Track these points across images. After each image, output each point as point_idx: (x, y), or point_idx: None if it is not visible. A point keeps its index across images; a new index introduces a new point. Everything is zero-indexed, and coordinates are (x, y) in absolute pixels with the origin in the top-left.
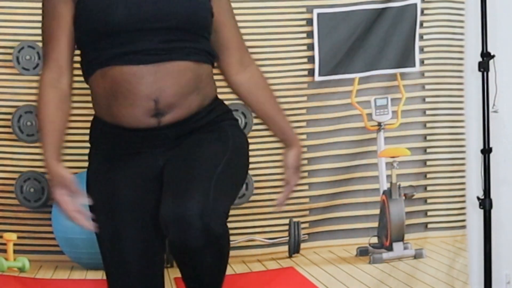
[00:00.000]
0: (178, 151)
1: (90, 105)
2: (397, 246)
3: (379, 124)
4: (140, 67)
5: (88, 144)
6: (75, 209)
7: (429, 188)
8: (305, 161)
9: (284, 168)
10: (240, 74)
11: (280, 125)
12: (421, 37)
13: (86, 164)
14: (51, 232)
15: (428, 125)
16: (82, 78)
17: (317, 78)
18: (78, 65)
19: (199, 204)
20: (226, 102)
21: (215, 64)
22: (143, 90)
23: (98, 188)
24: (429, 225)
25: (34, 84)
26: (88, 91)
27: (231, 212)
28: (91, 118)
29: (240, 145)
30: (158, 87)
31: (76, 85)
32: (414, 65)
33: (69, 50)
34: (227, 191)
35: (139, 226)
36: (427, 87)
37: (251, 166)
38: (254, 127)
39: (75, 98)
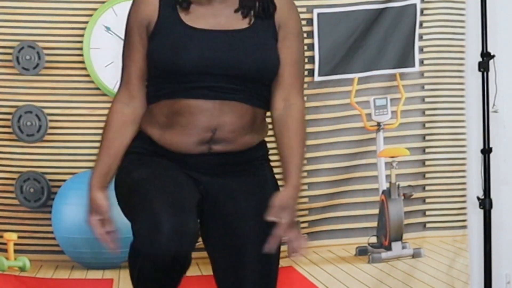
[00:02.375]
0: (220, 206)
1: (92, 105)
2: (396, 246)
3: (379, 124)
4: (205, 102)
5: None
6: (104, 233)
7: (427, 188)
8: (305, 161)
9: (271, 209)
10: (279, 110)
11: (289, 168)
12: (420, 37)
13: (85, 164)
14: (51, 232)
15: (428, 125)
16: (83, 78)
17: (316, 78)
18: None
19: None
20: None
21: None
22: (204, 121)
23: (134, 160)
24: (428, 225)
25: (34, 84)
26: (92, 92)
27: None
28: (92, 118)
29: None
30: (218, 121)
31: (78, 85)
32: (413, 65)
33: (141, 77)
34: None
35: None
36: (426, 87)
37: None
38: None
39: (79, 99)
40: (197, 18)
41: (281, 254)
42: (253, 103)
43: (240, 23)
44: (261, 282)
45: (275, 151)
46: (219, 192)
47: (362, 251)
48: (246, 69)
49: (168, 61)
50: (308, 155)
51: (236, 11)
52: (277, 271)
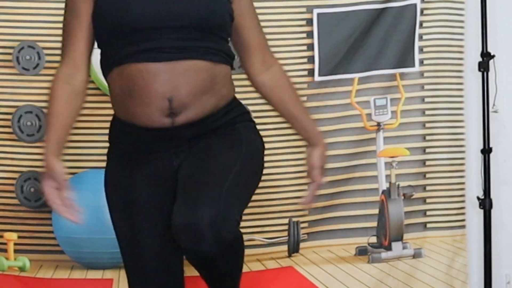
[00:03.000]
0: (192, 156)
1: (92, 105)
2: (396, 246)
3: (379, 124)
4: (155, 65)
5: (89, 144)
6: (60, 202)
7: (428, 188)
8: (305, 161)
9: (308, 167)
10: (262, 74)
11: (303, 124)
12: (420, 37)
13: (85, 164)
14: (51, 232)
15: (428, 125)
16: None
17: (317, 78)
18: None
19: (210, 213)
20: None
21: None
22: (158, 88)
23: (115, 189)
24: (428, 225)
25: (34, 84)
26: (92, 92)
27: None
28: (92, 118)
29: (254, 149)
30: (172, 85)
31: None
32: (413, 65)
33: (86, 48)
34: (239, 198)
35: (156, 226)
36: (426, 87)
37: None
38: None
39: None
40: None
41: (281, 254)
42: (209, 58)
43: None
44: (191, 198)
45: None
46: (193, 154)
47: (362, 251)
48: (195, 17)
49: (115, 17)
50: None
51: None
52: (244, 198)
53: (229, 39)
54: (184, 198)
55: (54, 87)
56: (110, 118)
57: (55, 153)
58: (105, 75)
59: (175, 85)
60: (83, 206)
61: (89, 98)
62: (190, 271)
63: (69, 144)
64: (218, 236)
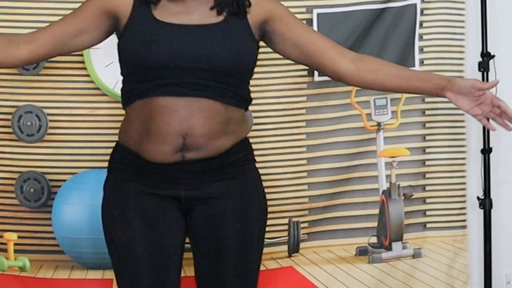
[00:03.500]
0: (203, 223)
1: (92, 105)
2: (396, 246)
3: (379, 124)
4: (175, 99)
5: (89, 144)
6: None
7: (428, 188)
8: (305, 161)
9: (473, 90)
10: (348, 64)
11: (425, 78)
12: (421, 37)
13: (85, 164)
14: (51, 232)
15: (428, 125)
16: (83, 78)
17: (316, 78)
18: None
19: None
20: None
21: None
22: (175, 126)
23: (115, 201)
24: (428, 225)
25: (34, 84)
26: (92, 92)
27: None
28: (92, 118)
29: (262, 205)
30: (189, 124)
31: (78, 85)
32: (414, 65)
33: (53, 41)
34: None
35: (153, 247)
36: None
37: None
38: (254, 127)
39: (79, 99)
40: (170, 15)
41: (281, 254)
42: (225, 101)
43: (214, 19)
44: (239, 283)
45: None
46: (199, 201)
47: (362, 251)
48: (217, 61)
49: (139, 55)
50: (308, 155)
51: (211, 8)
52: (257, 272)
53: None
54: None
55: None
56: (110, 118)
57: None
58: (125, 104)
59: (191, 123)
60: (83, 206)
61: (89, 98)
62: (190, 271)
63: (69, 144)
64: None
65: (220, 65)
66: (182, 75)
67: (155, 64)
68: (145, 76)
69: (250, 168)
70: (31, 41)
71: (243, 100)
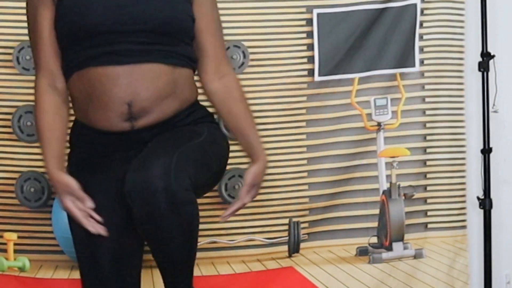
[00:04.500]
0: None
1: None
2: (397, 246)
3: (379, 124)
4: (115, 68)
5: None
6: (84, 214)
7: (429, 188)
8: (305, 161)
9: (243, 186)
10: (214, 82)
11: (248, 140)
12: (421, 37)
13: None
14: (51, 232)
15: (428, 125)
16: None
17: (317, 78)
18: None
19: (161, 168)
20: None
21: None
22: (117, 92)
23: None
24: (429, 225)
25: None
26: None
27: None
28: None
29: (215, 138)
30: (132, 90)
31: None
32: (414, 65)
33: (56, 55)
34: (195, 163)
35: (113, 228)
36: (427, 87)
37: None
38: None
39: None
40: None
41: (281, 255)
42: (169, 61)
43: None
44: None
45: None
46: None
47: (362, 252)
48: (156, 21)
49: (74, 20)
50: (308, 155)
51: None
52: (201, 166)
53: (192, 42)
54: (135, 162)
55: (38, 100)
56: None
57: (57, 167)
58: (66, 79)
59: (134, 89)
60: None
61: None
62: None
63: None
64: (169, 188)
65: (158, 25)
66: (119, 41)
67: (90, 29)
68: (80, 47)
69: (209, 126)
70: (55, 75)
71: (188, 59)
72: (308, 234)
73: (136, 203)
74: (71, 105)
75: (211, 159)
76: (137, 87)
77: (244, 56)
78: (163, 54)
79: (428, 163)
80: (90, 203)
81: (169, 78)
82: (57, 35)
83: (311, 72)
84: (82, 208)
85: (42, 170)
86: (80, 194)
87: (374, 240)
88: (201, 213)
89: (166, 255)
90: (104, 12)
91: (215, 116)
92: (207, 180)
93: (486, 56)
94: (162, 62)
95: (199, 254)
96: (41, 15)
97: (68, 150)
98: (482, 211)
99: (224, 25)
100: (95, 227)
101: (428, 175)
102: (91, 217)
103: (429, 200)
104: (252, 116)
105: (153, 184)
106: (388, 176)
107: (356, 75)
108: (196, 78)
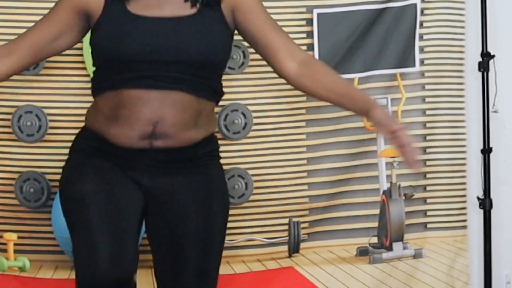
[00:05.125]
0: (167, 214)
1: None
2: (397, 246)
3: None
4: (148, 92)
5: None
6: None
7: (428, 188)
8: (305, 161)
9: (382, 131)
10: (295, 67)
11: (358, 99)
12: (421, 37)
13: None
14: (51, 232)
15: (428, 125)
16: (83, 78)
17: None
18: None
19: None
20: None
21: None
22: (146, 113)
23: (78, 161)
24: (429, 225)
25: (34, 84)
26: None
27: (231, 211)
28: None
29: (226, 198)
30: (160, 113)
31: (78, 85)
32: (414, 65)
33: (32, 49)
34: (217, 266)
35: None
36: (427, 87)
37: (251, 166)
38: (254, 127)
39: (79, 99)
40: (143, 8)
41: (281, 255)
42: (198, 93)
43: (187, 11)
44: (199, 282)
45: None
46: (162, 193)
47: (362, 252)
48: (191, 54)
49: (112, 48)
50: (308, 155)
51: (185, 0)
52: (216, 272)
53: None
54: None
55: None
56: None
57: None
58: (94, 93)
59: (162, 113)
60: None
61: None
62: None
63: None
64: None
65: (194, 57)
66: (155, 68)
67: (127, 57)
68: (117, 69)
69: (215, 164)
70: (10, 54)
71: (215, 93)
72: (308, 234)
73: None
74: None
75: (223, 235)
76: (165, 112)
77: (244, 56)
78: (194, 86)
79: (428, 163)
80: None
81: (195, 109)
82: (93, 53)
83: None
84: None
85: (41, 170)
86: None
87: (374, 240)
88: None
89: None
90: (142, 42)
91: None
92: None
93: (486, 56)
94: (191, 93)
95: None
96: (61, 17)
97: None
98: (482, 211)
99: None
100: None
101: (428, 175)
102: None
103: (429, 200)
104: (342, 77)
105: None
106: (388, 176)
107: (356, 75)
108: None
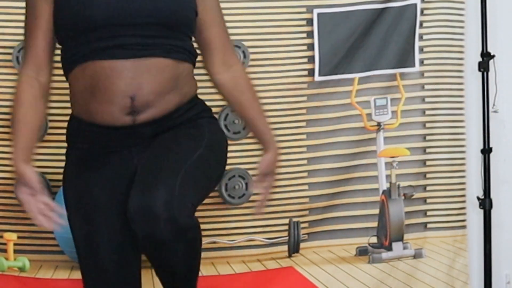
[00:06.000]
0: (151, 148)
1: None
2: (397, 246)
3: (379, 124)
4: (120, 62)
5: None
6: (37, 210)
7: (428, 188)
8: (305, 161)
9: (258, 171)
10: (222, 73)
11: (259, 128)
12: (421, 37)
13: None
14: (51, 232)
15: (428, 125)
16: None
17: (317, 78)
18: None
19: (164, 195)
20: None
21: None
22: (121, 86)
23: (73, 189)
24: (429, 225)
25: None
26: None
27: (231, 212)
28: None
29: (216, 142)
30: (136, 83)
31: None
32: (413, 65)
33: (49, 48)
34: (196, 185)
35: (113, 227)
36: (426, 87)
37: (250, 166)
38: None
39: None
40: None
41: (281, 255)
42: (173, 56)
43: None
44: (141, 193)
45: None
46: (153, 146)
47: (362, 252)
48: (160, 15)
49: (77, 15)
50: (308, 155)
51: None
52: (203, 185)
53: (192, 36)
54: (139, 183)
55: (18, 90)
56: None
57: (24, 159)
58: (66, 72)
59: (138, 83)
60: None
61: None
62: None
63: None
64: (172, 218)
65: (163, 18)
66: (124, 34)
67: (93, 22)
68: (84, 39)
69: (208, 122)
70: (41, 68)
71: (190, 54)
72: (308, 234)
73: (139, 229)
74: (67, 99)
75: (212, 170)
76: (141, 81)
77: (244, 56)
78: (167, 49)
79: (427, 163)
80: (47, 199)
81: (172, 73)
82: (57, 27)
83: (311, 72)
84: (36, 203)
85: (41, 170)
86: (35, 186)
87: (374, 240)
88: (201, 213)
89: (169, 273)
90: (109, 4)
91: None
92: (208, 191)
93: (486, 56)
94: (166, 57)
95: None
96: (40, 7)
97: (38, 146)
98: (482, 211)
99: None
100: (47, 225)
101: (428, 175)
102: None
103: (428, 200)
104: (260, 105)
105: (156, 213)
106: (388, 176)
107: (356, 75)
108: (202, 71)
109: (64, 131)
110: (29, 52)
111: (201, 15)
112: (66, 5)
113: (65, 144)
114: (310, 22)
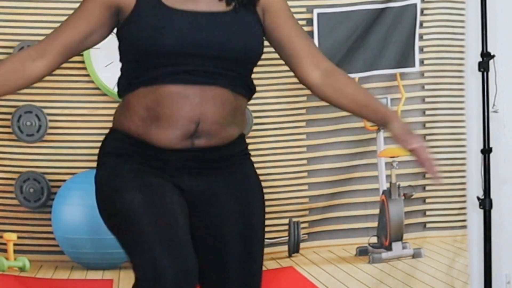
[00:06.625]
0: (203, 209)
1: (92, 105)
2: (396, 246)
3: None
4: (187, 87)
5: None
6: None
7: (428, 188)
8: (305, 161)
9: (399, 142)
10: (320, 77)
11: (377, 110)
12: (421, 37)
13: (85, 164)
14: (51, 232)
15: (428, 125)
16: (83, 78)
17: None
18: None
19: None
20: None
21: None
22: (188, 111)
23: (125, 165)
24: (428, 225)
25: (34, 84)
26: (92, 92)
27: None
28: (92, 118)
29: (262, 196)
30: (201, 110)
31: (78, 85)
32: (414, 65)
33: (66, 49)
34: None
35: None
36: (426, 87)
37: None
38: (254, 127)
39: (79, 99)
40: (177, 2)
41: (281, 255)
42: (236, 89)
43: (222, 8)
44: (244, 282)
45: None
46: (202, 194)
47: (362, 251)
48: (230, 49)
49: (149, 40)
50: (308, 155)
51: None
52: (260, 271)
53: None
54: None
55: (8, 58)
56: (110, 118)
57: None
58: (124, 91)
59: (204, 110)
60: (83, 206)
61: (89, 98)
62: None
63: (69, 144)
64: None
65: (234, 53)
66: (193, 63)
67: (166, 50)
68: (153, 63)
69: (249, 162)
70: (44, 55)
71: (249, 89)
72: (308, 234)
73: None
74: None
75: (264, 229)
76: (207, 109)
77: None
78: (232, 81)
79: None
80: None
81: (233, 106)
82: (124, 49)
83: None
84: None
85: (41, 170)
86: None
87: (374, 240)
88: None
89: None
90: (183, 33)
91: None
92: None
93: (486, 56)
94: (229, 89)
95: None
96: (91, 15)
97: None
98: (482, 211)
99: None
100: None
101: (428, 175)
102: None
103: (428, 200)
104: (365, 89)
105: None
106: (388, 176)
107: (356, 75)
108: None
109: (64, 131)
110: (45, 39)
111: (276, 32)
112: (139, 28)
113: (65, 144)
114: (310, 22)
